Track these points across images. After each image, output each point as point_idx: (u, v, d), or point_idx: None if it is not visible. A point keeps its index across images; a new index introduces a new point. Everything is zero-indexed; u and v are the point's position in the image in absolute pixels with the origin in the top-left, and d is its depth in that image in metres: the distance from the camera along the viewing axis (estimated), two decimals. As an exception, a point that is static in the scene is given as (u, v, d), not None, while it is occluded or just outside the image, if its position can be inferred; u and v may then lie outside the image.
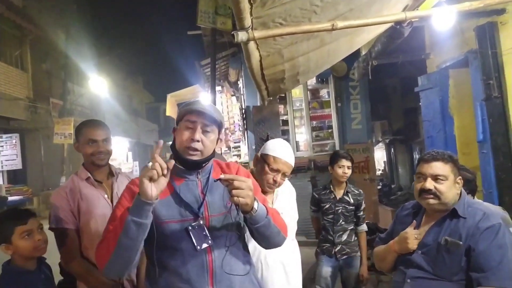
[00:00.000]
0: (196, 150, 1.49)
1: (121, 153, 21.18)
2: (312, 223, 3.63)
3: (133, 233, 1.33)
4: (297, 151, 8.07)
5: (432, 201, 1.87)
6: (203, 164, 1.55)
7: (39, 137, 14.60)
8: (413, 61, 6.31)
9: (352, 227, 3.33)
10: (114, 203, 2.12)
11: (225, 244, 1.53)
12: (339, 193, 3.29)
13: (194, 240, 1.46)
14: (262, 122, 7.16)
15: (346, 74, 7.70)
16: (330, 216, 3.28)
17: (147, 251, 1.52)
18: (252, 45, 2.24)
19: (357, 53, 5.93)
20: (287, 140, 7.89)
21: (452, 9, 2.62)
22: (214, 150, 1.59)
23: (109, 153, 2.17)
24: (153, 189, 1.31)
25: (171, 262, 1.48)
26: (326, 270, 3.26)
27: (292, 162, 2.18)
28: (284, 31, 2.12)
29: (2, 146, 11.93)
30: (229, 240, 1.54)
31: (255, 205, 1.43)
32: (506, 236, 1.78)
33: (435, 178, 1.86)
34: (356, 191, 3.35)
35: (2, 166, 12.01)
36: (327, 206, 3.29)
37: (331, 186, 3.30)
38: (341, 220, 3.26)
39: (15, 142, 12.04)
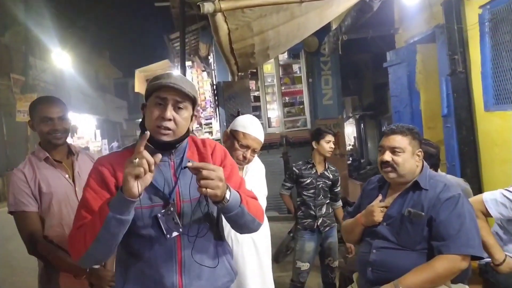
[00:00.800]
0: (168, 129, 1.37)
1: (89, 131, 20.62)
2: (283, 200, 3.69)
3: (114, 229, 1.25)
4: (268, 127, 8.09)
5: (391, 174, 1.94)
6: (177, 145, 1.43)
7: (0, 115, 13.95)
8: (383, 36, 6.36)
9: (328, 201, 3.47)
10: (76, 183, 2.08)
11: (197, 232, 1.43)
12: (320, 169, 3.42)
13: (163, 228, 1.38)
14: (232, 98, 7.09)
15: (318, 49, 7.69)
16: (312, 191, 3.39)
17: None
18: (219, 17, 2.17)
19: (328, 28, 5.90)
20: (259, 116, 7.88)
21: (420, -17, 2.62)
22: (188, 129, 1.46)
23: (66, 131, 2.07)
24: (139, 187, 1.20)
25: (140, 249, 1.42)
26: (309, 245, 3.38)
27: (261, 138, 2.17)
28: (252, 3, 2.07)
29: (-41, 124, 11.32)
30: (201, 228, 1.44)
31: (227, 194, 1.33)
32: (465, 206, 1.86)
33: (393, 150, 1.92)
34: (333, 168, 3.51)
35: (-39, 146, 11.43)
36: (308, 181, 3.39)
37: (313, 162, 3.37)
38: (321, 195, 3.39)
39: (-26, 120, 11.44)
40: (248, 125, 2.13)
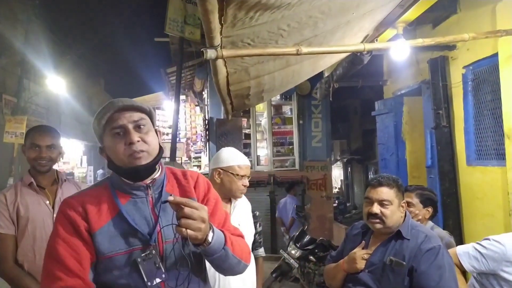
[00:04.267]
0: (141, 151, 1.23)
1: (76, 157, 20.39)
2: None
3: None
4: (257, 165, 8.17)
5: (378, 225, 2.00)
6: (156, 167, 1.30)
7: (-13, 135, 13.77)
8: (372, 86, 6.63)
9: None
10: (55, 210, 2.12)
11: (182, 275, 1.26)
12: None
13: (144, 275, 1.20)
14: (225, 135, 7.21)
15: (309, 92, 7.93)
16: None
17: None
18: (220, 62, 2.30)
19: (320, 73, 6.15)
20: (248, 153, 7.97)
21: (407, 43, 2.82)
22: (160, 147, 1.32)
23: (52, 160, 2.15)
24: None
25: None
26: None
27: (249, 163, 2.28)
28: (251, 52, 2.20)
29: None
30: (186, 270, 1.26)
31: (209, 236, 1.18)
32: (445, 257, 1.92)
33: (381, 203, 1.99)
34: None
35: None
36: None
37: None
38: None
39: (-40, 138, 11.30)
40: (237, 157, 2.23)
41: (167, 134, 14.21)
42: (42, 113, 16.69)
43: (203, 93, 10.16)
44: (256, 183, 7.35)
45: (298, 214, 5.38)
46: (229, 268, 1.31)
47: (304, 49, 2.22)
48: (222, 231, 1.27)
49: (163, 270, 1.23)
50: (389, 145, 5.43)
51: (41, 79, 16.06)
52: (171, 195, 1.16)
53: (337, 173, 16.74)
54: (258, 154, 8.37)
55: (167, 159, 6.78)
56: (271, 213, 7.50)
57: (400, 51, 3.35)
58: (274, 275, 4.67)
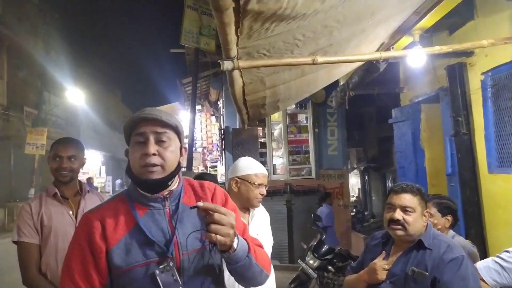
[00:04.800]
0: (155, 165, 1.23)
1: (94, 167, 20.74)
2: None
3: None
4: (273, 174, 8.16)
5: (399, 232, 1.96)
6: (169, 182, 1.28)
7: (9, 146, 14.14)
8: (388, 93, 6.57)
9: None
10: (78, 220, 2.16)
11: (200, 287, 1.27)
12: None
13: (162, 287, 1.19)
14: (241, 145, 7.23)
15: (325, 100, 7.92)
16: None
17: None
18: (236, 73, 2.33)
19: (336, 82, 6.14)
20: (264, 162, 7.98)
21: (424, 51, 2.80)
22: (179, 163, 1.31)
23: (73, 170, 2.18)
24: None
25: None
26: None
27: (266, 172, 2.29)
28: (267, 63, 2.22)
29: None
30: (204, 282, 1.27)
31: (235, 243, 1.18)
32: (468, 268, 1.88)
33: (404, 209, 1.96)
34: None
35: (-33, 175, 11.52)
36: None
37: None
38: None
39: (-16, 150, 11.62)
40: (253, 166, 2.24)
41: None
42: (61, 124, 17.08)
43: (219, 102, 10.25)
44: (272, 192, 7.33)
45: (315, 223, 5.33)
46: (252, 277, 1.30)
47: (320, 59, 2.22)
48: (245, 239, 1.27)
49: (180, 283, 1.21)
50: (407, 153, 5.35)
51: (61, 91, 16.48)
52: (195, 206, 1.16)
53: (354, 182, 16.56)
54: (274, 163, 8.36)
55: (183, 169, 6.83)
56: (288, 222, 7.45)
57: (416, 58, 3.32)
58: (292, 286, 4.61)
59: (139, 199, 1.28)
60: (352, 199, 14.64)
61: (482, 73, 3.93)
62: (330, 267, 4.61)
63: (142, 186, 1.27)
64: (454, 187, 4.33)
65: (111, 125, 25.51)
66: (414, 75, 5.32)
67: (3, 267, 6.65)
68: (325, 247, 4.82)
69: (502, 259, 2.04)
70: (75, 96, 15.60)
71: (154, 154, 1.22)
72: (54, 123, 16.14)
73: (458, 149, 4.19)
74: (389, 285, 1.97)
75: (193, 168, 8.42)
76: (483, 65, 3.94)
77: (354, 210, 13.01)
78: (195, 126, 7.44)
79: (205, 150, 11.07)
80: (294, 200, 7.65)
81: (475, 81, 4.07)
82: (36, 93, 15.72)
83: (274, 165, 8.35)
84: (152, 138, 1.24)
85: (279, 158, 8.45)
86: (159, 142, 1.25)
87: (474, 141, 4.11)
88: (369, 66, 3.87)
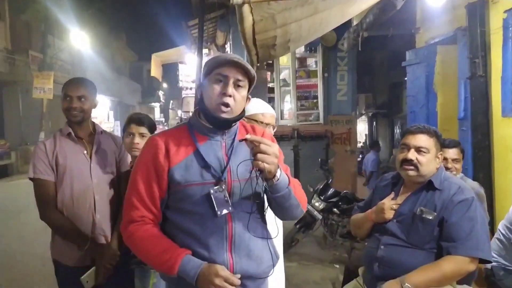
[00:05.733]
0: (228, 105, 1.39)
1: (102, 112, 20.84)
2: None
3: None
4: (281, 119, 8.11)
5: (411, 172, 1.96)
6: (233, 124, 1.46)
7: (17, 91, 14.16)
8: (402, 35, 6.29)
9: None
10: (93, 160, 2.18)
11: (245, 211, 1.44)
12: None
13: (215, 205, 1.38)
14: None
15: (335, 44, 7.65)
16: None
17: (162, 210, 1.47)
18: (246, 8, 2.20)
19: (348, 24, 5.87)
20: (272, 107, 7.90)
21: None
22: (244, 109, 1.48)
23: (83, 111, 2.15)
24: None
25: (189, 225, 1.42)
26: None
27: (274, 112, 2.29)
28: (278, -5, 2.09)
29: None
30: (249, 208, 1.45)
31: (278, 173, 1.35)
32: (477, 209, 1.88)
33: (418, 149, 1.94)
34: None
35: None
36: None
37: None
38: None
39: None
40: (260, 106, 2.23)
41: (191, 88, 14.23)
42: (68, 69, 16.92)
43: (226, 46, 9.97)
44: (280, 137, 7.31)
45: (322, 167, 5.37)
46: (289, 208, 1.46)
47: (335, -9, 2.08)
48: (286, 174, 1.43)
49: (230, 204, 1.40)
50: (419, 97, 5.22)
51: (65, 35, 16.11)
52: (244, 139, 1.30)
53: (362, 128, 16.52)
54: (281, 108, 8.28)
55: (191, 113, 6.81)
56: (295, 167, 7.51)
57: (437, -6, 3.12)
58: (297, 226, 4.76)
59: (201, 129, 1.46)
60: (359, 145, 14.68)
61: (505, 11, 3.70)
62: (335, 210, 4.72)
63: (211, 120, 1.43)
64: (465, 131, 4.26)
65: (117, 69, 25.21)
66: (431, 15, 5.04)
67: (19, 207, 6.95)
68: (331, 190, 4.90)
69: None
70: (79, 40, 15.29)
71: (230, 96, 1.38)
72: (60, 68, 16.00)
73: (473, 92, 4.06)
74: (396, 224, 1.99)
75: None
76: (506, 2, 3.69)
77: (361, 156, 13.11)
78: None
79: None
80: (301, 145, 7.65)
81: (496, 19, 3.85)
82: (40, 37, 15.43)
83: (282, 111, 8.27)
84: (232, 81, 1.39)
85: (287, 103, 8.35)
86: (236, 86, 1.41)
87: (490, 84, 3.96)
88: (385, 3, 3.67)
